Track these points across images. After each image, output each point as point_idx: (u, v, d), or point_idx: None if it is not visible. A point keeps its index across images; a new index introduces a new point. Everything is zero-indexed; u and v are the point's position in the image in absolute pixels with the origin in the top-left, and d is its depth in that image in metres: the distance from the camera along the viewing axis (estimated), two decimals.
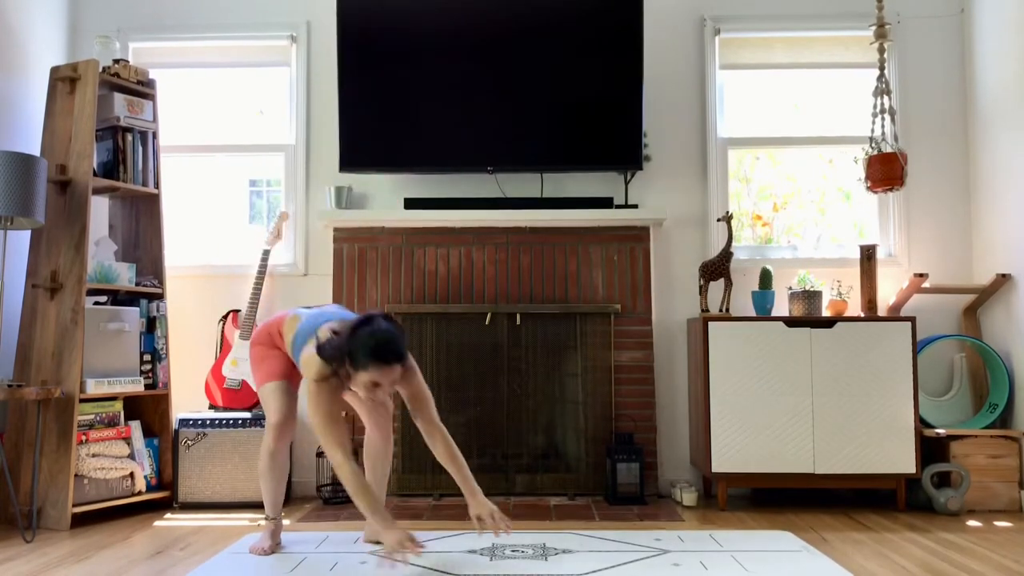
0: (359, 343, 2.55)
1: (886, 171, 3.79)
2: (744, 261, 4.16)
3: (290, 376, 2.92)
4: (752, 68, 4.33)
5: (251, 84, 4.40)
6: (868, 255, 3.90)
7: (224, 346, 4.03)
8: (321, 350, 2.60)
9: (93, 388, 3.47)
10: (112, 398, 3.62)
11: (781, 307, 4.06)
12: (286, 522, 3.46)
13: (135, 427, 3.71)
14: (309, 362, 2.67)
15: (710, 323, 3.70)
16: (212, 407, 3.96)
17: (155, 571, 2.71)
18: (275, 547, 2.95)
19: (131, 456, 3.64)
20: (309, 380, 2.67)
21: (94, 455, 3.48)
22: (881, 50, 3.90)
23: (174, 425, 3.78)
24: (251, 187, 4.83)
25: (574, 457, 3.97)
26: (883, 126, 3.87)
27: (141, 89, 3.86)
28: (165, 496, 3.74)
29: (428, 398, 2.83)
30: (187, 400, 4.08)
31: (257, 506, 3.73)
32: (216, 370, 3.98)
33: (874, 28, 3.89)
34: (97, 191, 3.79)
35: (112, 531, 3.29)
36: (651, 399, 3.96)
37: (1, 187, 3.12)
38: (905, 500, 3.70)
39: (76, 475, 3.39)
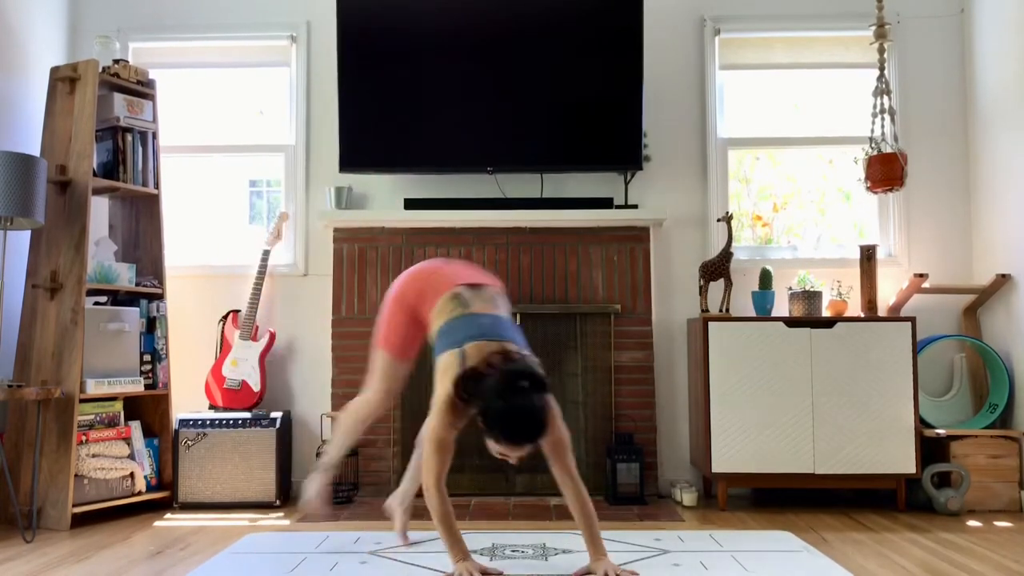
0: (494, 411, 2.33)
1: (886, 171, 3.79)
2: (744, 261, 4.16)
3: (407, 353, 2.80)
4: (752, 68, 4.33)
5: (251, 84, 4.40)
6: (868, 255, 3.90)
7: (224, 346, 4.03)
8: (460, 386, 2.39)
9: (93, 388, 3.47)
10: (112, 398, 3.62)
11: (781, 307, 4.06)
12: (285, 522, 3.47)
13: (135, 427, 3.71)
14: (444, 375, 2.48)
15: (710, 323, 3.70)
16: (212, 407, 3.96)
17: (155, 571, 2.71)
18: (317, 500, 2.95)
19: (131, 456, 3.64)
20: (438, 395, 2.49)
21: (94, 455, 3.48)
22: (881, 50, 3.90)
23: (174, 425, 3.78)
24: (251, 187, 4.83)
25: (575, 457, 3.96)
26: (883, 126, 3.87)
27: (141, 89, 3.86)
28: (165, 496, 3.74)
29: (566, 447, 2.60)
30: (187, 400, 4.08)
31: (257, 506, 3.73)
32: (216, 370, 3.99)
33: (874, 28, 3.89)
34: (97, 191, 3.79)
35: (112, 531, 3.29)
36: (651, 399, 3.96)
37: (1, 187, 3.12)
38: (905, 500, 3.70)
39: (76, 475, 3.39)
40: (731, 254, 3.90)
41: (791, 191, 4.36)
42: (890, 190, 3.84)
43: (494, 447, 2.43)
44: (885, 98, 3.89)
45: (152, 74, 3.96)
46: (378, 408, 2.86)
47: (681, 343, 4.16)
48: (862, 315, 3.87)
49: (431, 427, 2.52)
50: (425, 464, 2.53)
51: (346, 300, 4.01)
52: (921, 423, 3.73)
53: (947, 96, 4.23)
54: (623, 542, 3.01)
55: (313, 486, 3.00)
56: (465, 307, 2.60)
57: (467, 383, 2.38)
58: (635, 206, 4.05)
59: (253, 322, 4.01)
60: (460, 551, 2.51)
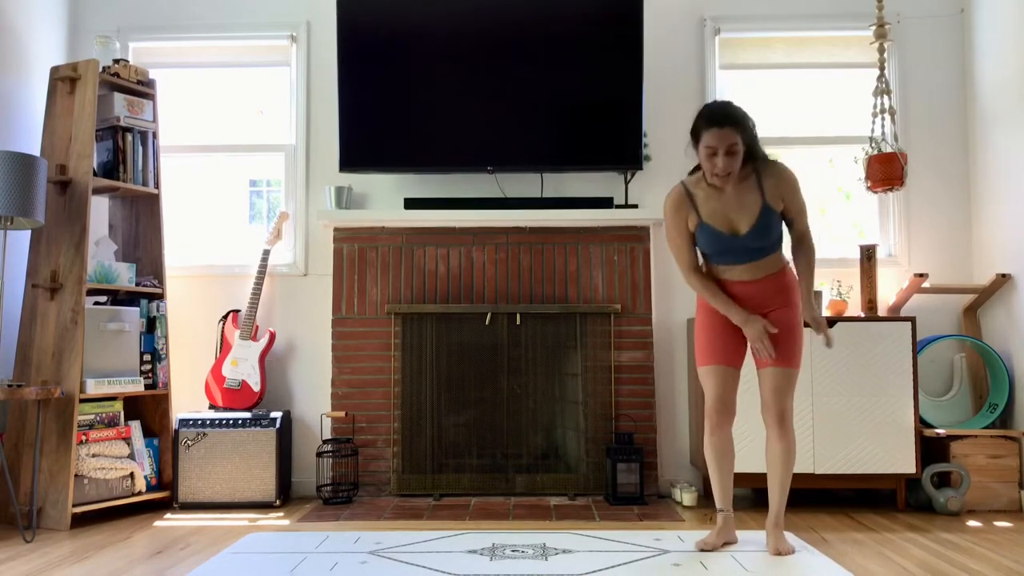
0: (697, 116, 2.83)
1: (886, 171, 3.79)
2: None
3: (725, 358, 2.90)
4: (752, 68, 4.33)
5: (251, 84, 4.40)
6: (868, 255, 3.90)
7: (224, 346, 4.03)
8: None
9: (93, 388, 3.47)
10: (112, 398, 3.62)
11: None
12: (285, 522, 3.47)
13: (135, 427, 3.71)
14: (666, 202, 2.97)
15: None
16: (212, 407, 3.96)
17: (155, 571, 2.71)
18: (717, 544, 2.90)
19: (131, 456, 3.64)
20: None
21: (94, 455, 3.48)
22: (881, 50, 3.90)
23: (174, 425, 3.78)
24: (251, 187, 4.83)
25: (574, 457, 3.97)
26: (883, 126, 3.88)
27: (141, 89, 3.86)
28: (165, 496, 3.74)
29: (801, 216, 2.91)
30: (187, 400, 4.09)
31: (257, 506, 3.73)
32: (216, 370, 3.99)
33: (874, 28, 3.89)
34: (97, 191, 3.79)
35: (112, 531, 3.29)
36: (651, 399, 3.96)
37: (1, 187, 3.12)
38: (905, 500, 3.70)
39: (76, 475, 3.39)
40: None
41: None
42: (890, 190, 3.84)
43: (702, 152, 2.85)
44: (885, 98, 3.89)
45: (152, 74, 3.96)
46: (713, 428, 2.94)
47: (681, 343, 4.16)
48: (862, 315, 3.87)
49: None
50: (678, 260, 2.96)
51: (346, 300, 4.01)
52: (921, 423, 3.73)
53: (947, 96, 4.23)
54: (623, 542, 3.01)
55: (712, 534, 2.94)
56: None
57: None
58: (635, 206, 4.05)
59: (253, 322, 4.01)
60: (741, 313, 2.83)
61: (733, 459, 2.96)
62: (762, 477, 3.65)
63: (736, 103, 2.86)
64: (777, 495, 2.88)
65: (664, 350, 4.14)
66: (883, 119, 3.88)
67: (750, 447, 3.65)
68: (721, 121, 2.75)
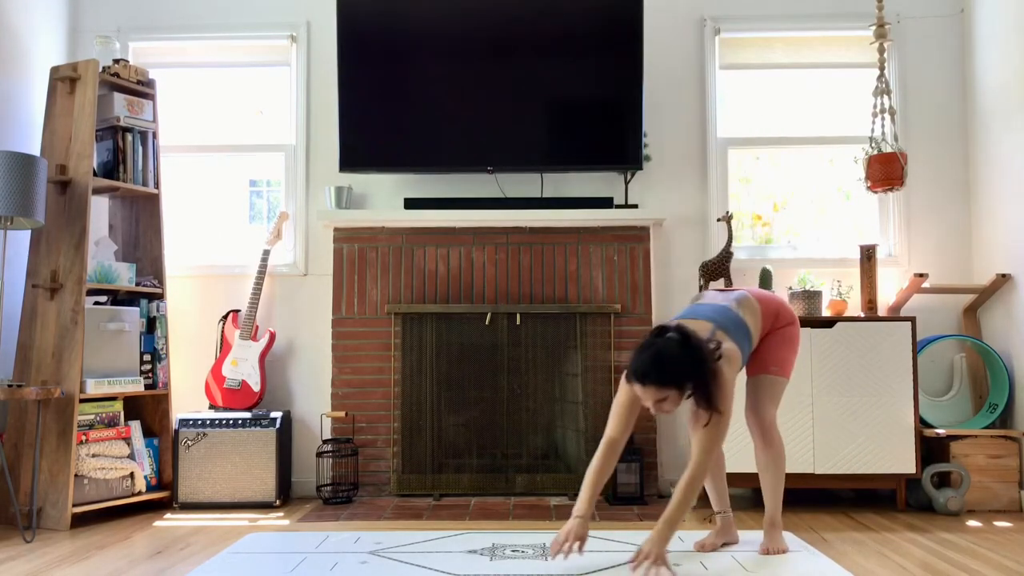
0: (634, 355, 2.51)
1: (886, 171, 3.79)
2: (744, 261, 4.16)
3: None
4: (752, 68, 4.33)
5: (251, 84, 4.40)
6: (868, 255, 3.90)
7: (224, 346, 4.03)
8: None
9: (93, 388, 3.47)
10: (112, 398, 3.62)
11: None
12: (285, 522, 3.47)
13: (135, 427, 3.71)
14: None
15: None
16: (212, 407, 3.96)
17: (155, 571, 2.71)
18: (716, 544, 2.90)
19: (131, 456, 3.64)
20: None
21: (94, 455, 3.48)
22: (881, 50, 3.90)
23: (174, 425, 3.78)
24: (251, 187, 4.82)
25: (574, 457, 3.97)
26: (883, 126, 3.87)
27: (141, 89, 3.86)
28: (165, 496, 3.74)
29: (717, 418, 2.53)
30: (187, 400, 4.08)
31: (257, 506, 3.73)
32: (216, 370, 3.99)
33: (874, 28, 3.89)
34: (97, 191, 3.79)
35: (112, 531, 3.29)
36: None
37: (1, 187, 3.12)
38: (905, 500, 3.70)
39: (76, 475, 3.39)
40: (731, 254, 3.90)
41: (791, 191, 4.36)
42: (890, 190, 3.84)
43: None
44: (885, 98, 3.89)
45: (152, 74, 3.96)
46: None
47: None
48: (862, 315, 3.87)
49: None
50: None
51: (346, 300, 4.01)
52: (921, 423, 3.73)
53: (947, 96, 4.22)
54: (623, 542, 3.01)
55: (710, 535, 2.93)
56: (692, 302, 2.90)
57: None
58: (635, 206, 4.05)
59: (253, 322, 4.01)
60: (584, 508, 2.60)
61: (722, 463, 2.98)
62: None
63: (681, 353, 2.45)
64: (771, 499, 2.87)
65: None
66: (883, 119, 3.87)
67: (750, 447, 3.64)
68: (643, 379, 2.45)
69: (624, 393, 2.63)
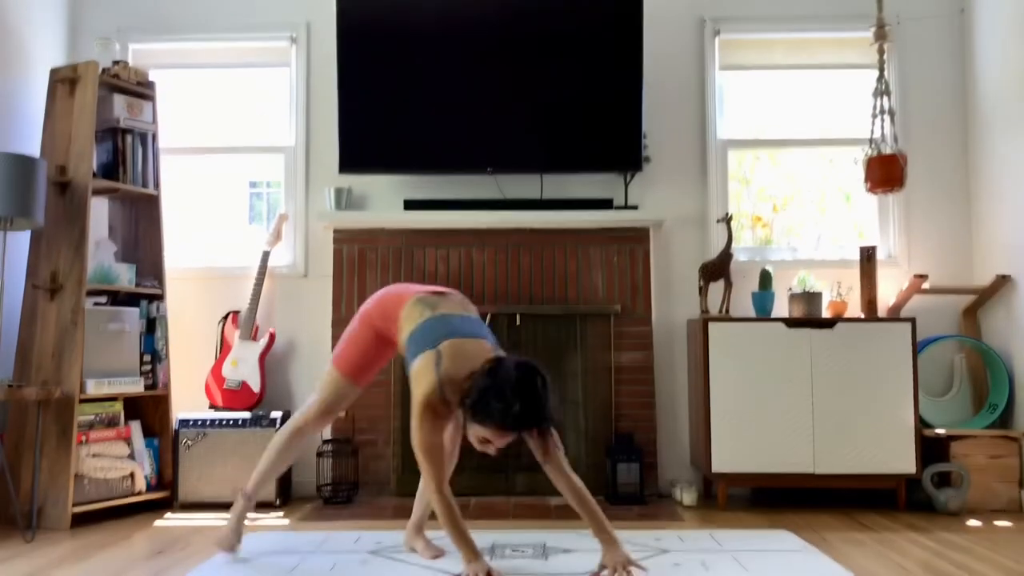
0: (492, 396, 2.35)
1: (886, 172, 3.79)
2: (744, 262, 4.16)
3: (361, 377, 2.74)
4: (752, 69, 4.34)
5: (251, 84, 4.40)
6: (868, 256, 3.90)
7: (224, 346, 4.03)
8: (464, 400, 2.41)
9: (93, 388, 3.47)
10: (112, 398, 3.62)
11: (781, 308, 4.05)
12: (285, 521, 3.47)
13: (135, 427, 3.71)
14: (420, 377, 2.46)
15: (710, 324, 3.70)
16: (212, 407, 3.96)
17: (155, 571, 2.71)
18: (235, 543, 2.82)
19: (131, 456, 3.64)
20: (416, 400, 2.45)
21: (94, 455, 3.48)
22: (881, 51, 3.91)
23: (174, 425, 3.78)
24: (251, 188, 4.83)
25: (574, 457, 3.94)
26: (883, 127, 3.88)
27: (141, 90, 3.87)
28: (165, 496, 3.74)
29: (557, 449, 2.56)
30: (187, 400, 4.08)
31: (257, 506, 3.71)
32: (216, 370, 3.99)
33: (874, 29, 3.90)
34: (97, 192, 3.79)
35: (112, 531, 3.29)
36: (651, 399, 3.96)
37: (1, 187, 3.12)
38: (905, 500, 3.70)
39: (76, 475, 3.39)
40: (731, 255, 3.91)
41: (791, 192, 4.36)
42: (890, 191, 3.84)
43: (477, 433, 2.43)
44: (885, 99, 3.90)
45: (152, 75, 3.96)
46: (314, 429, 2.84)
47: (681, 344, 4.16)
48: (862, 316, 3.87)
49: (418, 437, 2.46)
50: (424, 471, 2.50)
51: (346, 301, 4.00)
52: (921, 423, 3.73)
53: (947, 97, 4.23)
54: (623, 541, 3.01)
55: (233, 517, 2.87)
56: (433, 309, 2.61)
57: (467, 393, 2.41)
58: (635, 207, 4.05)
59: (253, 322, 4.01)
60: (471, 551, 2.50)
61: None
62: (761, 476, 3.66)
63: (546, 392, 2.45)
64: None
65: (664, 351, 4.14)
66: (883, 120, 3.88)
67: (750, 447, 3.64)
68: (540, 424, 2.46)
69: (435, 433, 2.49)
